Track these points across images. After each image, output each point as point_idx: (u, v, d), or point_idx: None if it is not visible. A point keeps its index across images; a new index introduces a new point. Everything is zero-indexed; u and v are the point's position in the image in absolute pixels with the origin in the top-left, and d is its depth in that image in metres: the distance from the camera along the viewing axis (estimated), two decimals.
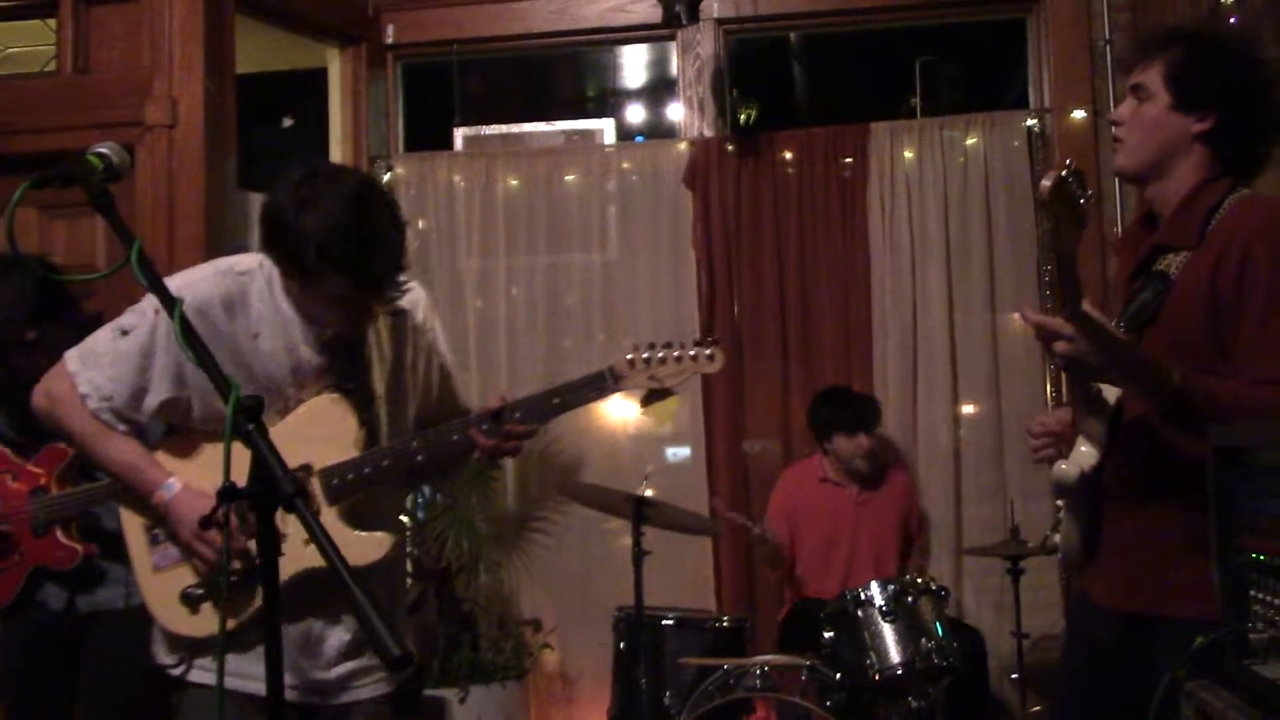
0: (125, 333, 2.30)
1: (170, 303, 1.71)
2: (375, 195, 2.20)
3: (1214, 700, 2.06)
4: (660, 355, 2.34)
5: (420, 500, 5.24)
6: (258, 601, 2.25)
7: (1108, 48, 5.03)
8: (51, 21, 4.92)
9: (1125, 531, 2.37)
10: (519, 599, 5.26)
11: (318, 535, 1.41)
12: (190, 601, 2.30)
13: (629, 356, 2.35)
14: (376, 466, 2.30)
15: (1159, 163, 2.37)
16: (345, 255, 2.11)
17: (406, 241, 2.23)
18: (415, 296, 2.46)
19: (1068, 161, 2.04)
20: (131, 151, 4.37)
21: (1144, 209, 2.49)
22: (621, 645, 4.20)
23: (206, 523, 2.03)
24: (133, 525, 2.39)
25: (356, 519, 2.33)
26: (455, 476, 4.07)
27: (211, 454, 2.33)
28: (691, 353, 2.34)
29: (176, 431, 2.40)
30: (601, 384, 2.34)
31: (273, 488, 1.47)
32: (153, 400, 2.31)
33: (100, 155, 1.84)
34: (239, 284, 2.29)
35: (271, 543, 1.47)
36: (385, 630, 1.36)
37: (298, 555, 2.10)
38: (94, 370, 2.31)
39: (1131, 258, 2.43)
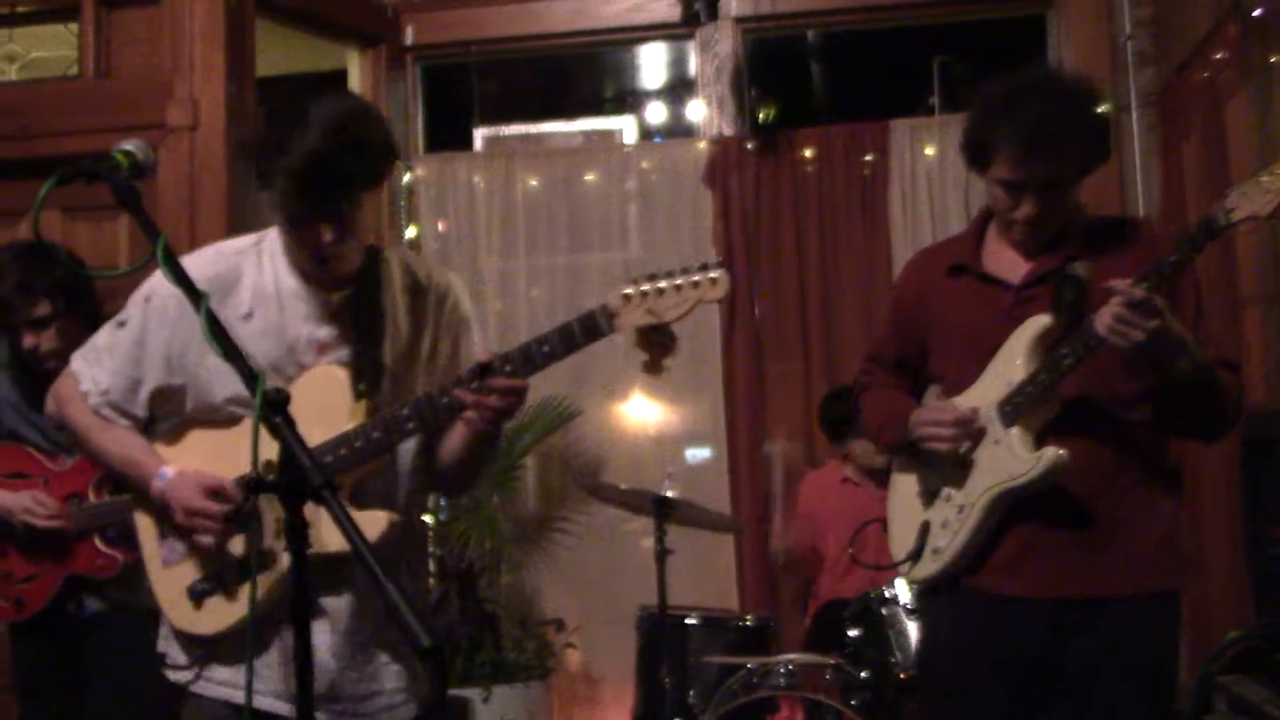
0: (122, 324, 2.25)
1: (197, 297, 1.70)
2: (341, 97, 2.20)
3: (1249, 694, 2.04)
4: (660, 285, 2.00)
5: (441, 500, 5.24)
6: (259, 597, 2.09)
7: (1129, 43, 5.00)
8: (73, 26, 4.94)
9: (1068, 519, 2.43)
10: (542, 598, 5.25)
11: (347, 527, 1.40)
12: (195, 596, 2.19)
13: (625, 290, 2.03)
14: (367, 439, 2.12)
15: None
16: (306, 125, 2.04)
17: (380, 136, 2.14)
18: (443, 280, 2.38)
19: None
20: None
21: (965, 254, 2.64)
22: (645, 644, 4.19)
23: (232, 517, 1.99)
24: (144, 522, 2.32)
25: (358, 498, 2.16)
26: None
27: (210, 442, 2.24)
28: (694, 278, 1.99)
29: (172, 423, 2.32)
30: (594, 325, 2.05)
31: (301, 480, 1.46)
32: (146, 389, 2.25)
33: (126, 152, 1.84)
34: (230, 263, 2.23)
35: (301, 536, 1.46)
36: (415, 618, 1.33)
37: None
38: (95, 367, 2.26)
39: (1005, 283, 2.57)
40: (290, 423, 1.52)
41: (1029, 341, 2.45)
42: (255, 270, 2.23)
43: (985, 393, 2.50)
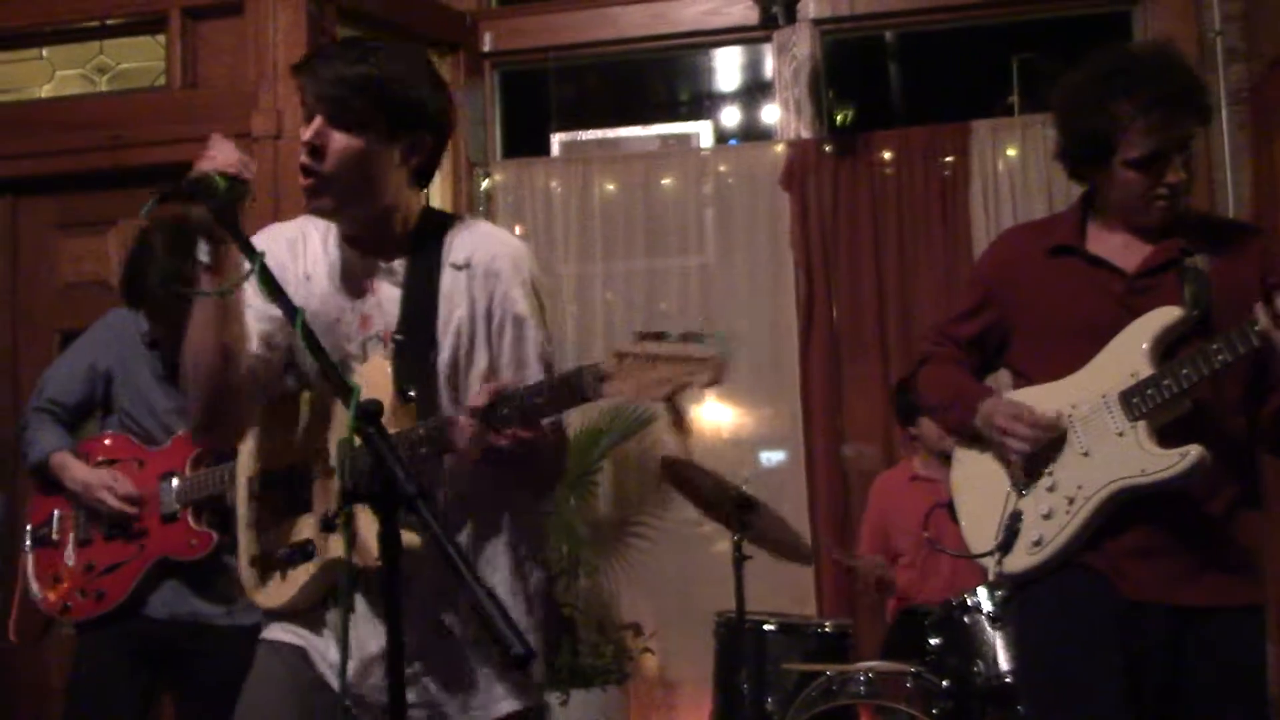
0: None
1: (292, 312, 1.74)
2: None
3: None
4: (656, 353, 1.63)
5: None
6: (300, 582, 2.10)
7: (1218, 39, 4.89)
8: (161, 37, 5.06)
9: (1182, 523, 2.34)
10: (618, 603, 5.26)
11: (440, 537, 1.41)
12: (256, 567, 2.17)
13: (622, 350, 1.68)
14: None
15: None
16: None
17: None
18: (490, 258, 2.14)
19: None
20: None
21: (1071, 235, 2.54)
22: (722, 650, 4.18)
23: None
24: (241, 482, 2.29)
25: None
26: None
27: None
28: (686, 353, 1.61)
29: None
30: (578, 387, 1.77)
31: (393, 489, 1.47)
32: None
33: (226, 176, 1.93)
34: (299, 229, 2.24)
35: (394, 545, 1.47)
36: (507, 625, 1.33)
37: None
38: None
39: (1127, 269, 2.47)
40: (383, 432, 1.53)
41: (1156, 333, 2.34)
42: (319, 233, 2.22)
43: (1095, 381, 2.39)
